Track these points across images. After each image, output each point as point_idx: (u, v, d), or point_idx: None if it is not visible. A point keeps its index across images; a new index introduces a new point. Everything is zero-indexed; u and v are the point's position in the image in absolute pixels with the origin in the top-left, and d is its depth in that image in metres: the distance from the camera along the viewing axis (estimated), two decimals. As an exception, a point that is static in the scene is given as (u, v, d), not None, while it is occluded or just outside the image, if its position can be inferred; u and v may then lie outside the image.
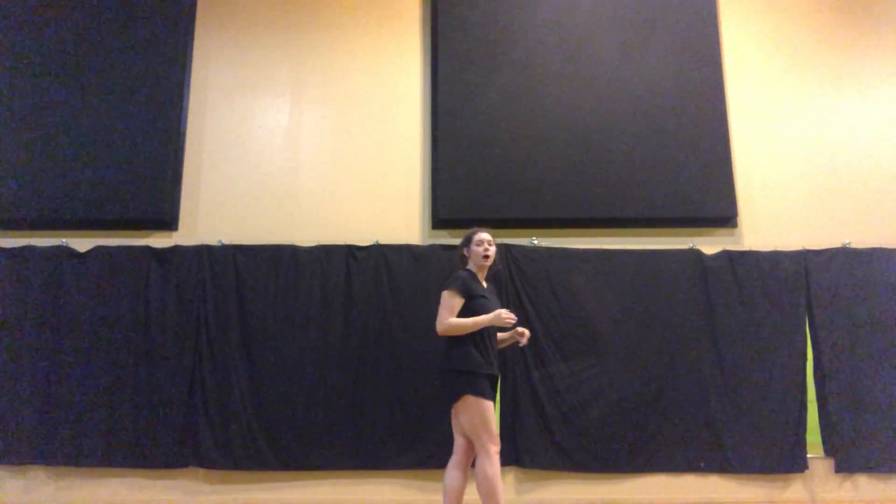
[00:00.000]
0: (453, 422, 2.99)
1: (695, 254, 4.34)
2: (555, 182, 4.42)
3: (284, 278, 4.25)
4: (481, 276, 3.13)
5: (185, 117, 4.61)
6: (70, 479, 4.04)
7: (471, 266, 3.13)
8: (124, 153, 4.42)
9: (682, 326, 4.21)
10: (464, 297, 2.97)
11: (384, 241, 4.35)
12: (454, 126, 4.50)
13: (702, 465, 4.05)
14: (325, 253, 4.30)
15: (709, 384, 4.13)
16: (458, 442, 2.99)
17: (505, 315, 2.88)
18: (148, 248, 4.28)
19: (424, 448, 4.04)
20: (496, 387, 3.05)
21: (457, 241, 4.31)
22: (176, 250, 4.28)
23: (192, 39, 4.75)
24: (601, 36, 4.67)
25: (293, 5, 4.84)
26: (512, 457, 4.01)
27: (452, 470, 2.93)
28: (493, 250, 3.11)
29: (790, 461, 4.04)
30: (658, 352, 4.17)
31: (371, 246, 4.33)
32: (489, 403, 2.90)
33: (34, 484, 4.03)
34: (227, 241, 4.35)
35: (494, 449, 2.87)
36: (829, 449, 4.12)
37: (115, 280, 4.22)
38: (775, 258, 4.33)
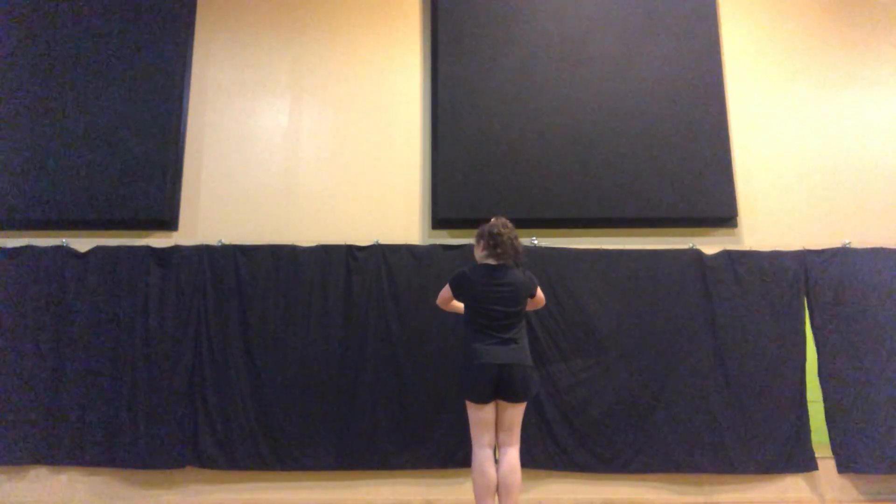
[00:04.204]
0: (516, 415, 3.10)
1: (695, 254, 4.34)
2: (555, 182, 4.42)
3: (284, 278, 4.25)
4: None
5: (185, 117, 4.61)
6: (70, 479, 4.04)
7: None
8: (124, 153, 4.42)
9: (682, 326, 4.21)
10: None
11: (384, 241, 4.35)
12: (454, 126, 4.50)
13: (702, 464, 4.05)
14: (325, 253, 4.30)
15: (709, 384, 4.13)
16: (492, 439, 3.12)
17: None
18: (148, 248, 4.28)
19: (424, 448, 4.04)
20: None
21: (456, 241, 4.35)
22: (176, 250, 4.28)
23: (192, 39, 4.75)
24: (601, 36, 4.67)
25: (293, 5, 4.85)
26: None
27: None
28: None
29: (795, 461, 4.03)
30: (658, 352, 4.17)
31: (371, 246, 4.33)
32: None
33: (34, 484, 4.03)
34: (227, 241, 4.35)
35: None
36: (831, 449, 4.11)
37: (115, 280, 4.22)
38: (775, 258, 4.33)
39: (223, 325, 4.17)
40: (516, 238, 3.22)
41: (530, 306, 3.36)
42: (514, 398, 3.04)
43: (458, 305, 3.40)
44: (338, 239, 4.37)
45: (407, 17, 4.84)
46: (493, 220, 3.28)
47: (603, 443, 4.05)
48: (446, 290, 3.30)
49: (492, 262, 3.20)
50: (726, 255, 4.34)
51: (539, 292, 3.33)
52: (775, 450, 4.05)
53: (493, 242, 3.18)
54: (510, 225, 3.25)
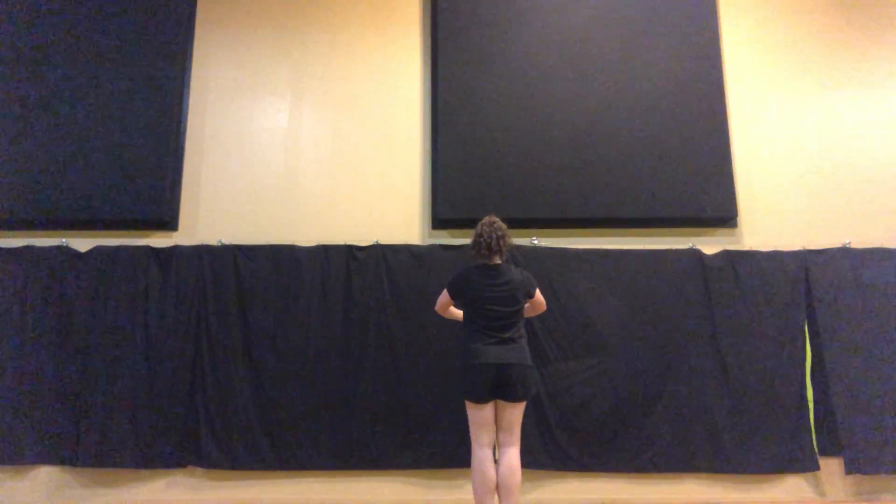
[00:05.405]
0: (515, 415, 3.09)
1: (695, 254, 4.34)
2: (555, 182, 4.42)
3: (284, 278, 4.25)
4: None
5: (185, 117, 4.61)
6: (70, 479, 4.04)
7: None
8: (124, 153, 4.42)
9: (682, 326, 4.21)
10: None
11: (384, 241, 4.35)
12: (454, 126, 4.50)
13: (702, 464, 4.05)
14: (325, 253, 4.30)
15: (709, 384, 4.13)
16: (492, 438, 3.12)
17: None
18: (148, 248, 4.28)
19: (424, 447, 4.04)
20: None
21: (456, 241, 4.35)
22: (176, 250, 4.28)
23: (192, 39, 4.75)
24: (601, 36, 4.67)
25: (293, 5, 4.85)
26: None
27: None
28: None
29: (795, 461, 4.03)
30: (658, 352, 4.17)
31: (371, 246, 4.33)
32: None
33: (34, 484, 4.03)
34: (227, 241, 4.35)
35: None
36: (831, 449, 4.10)
37: (115, 280, 4.22)
38: (775, 258, 4.33)
39: (223, 325, 4.17)
40: (500, 236, 3.17)
41: (530, 312, 3.34)
42: (513, 398, 3.04)
43: (457, 313, 3.40)
44: (338, 239, 4.37)
45: (407, 17, 4.84)
46: (484, 219, 3.28)
47: (603, 443, 4.05)
48: (444, 295, 3.30)
49: (487, 262, 3.20)
50: (726, 255, 4.34)
51: (538, 294, 3.31)
52: (775, 450, 4.05)
53: (473, 243, 3.22)
54: (496, 223, 3.22)
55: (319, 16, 4.83)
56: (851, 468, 4.01)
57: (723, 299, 4.25)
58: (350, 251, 4.30)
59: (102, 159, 4.41)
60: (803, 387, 4.14)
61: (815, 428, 4.12)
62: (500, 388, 3.03)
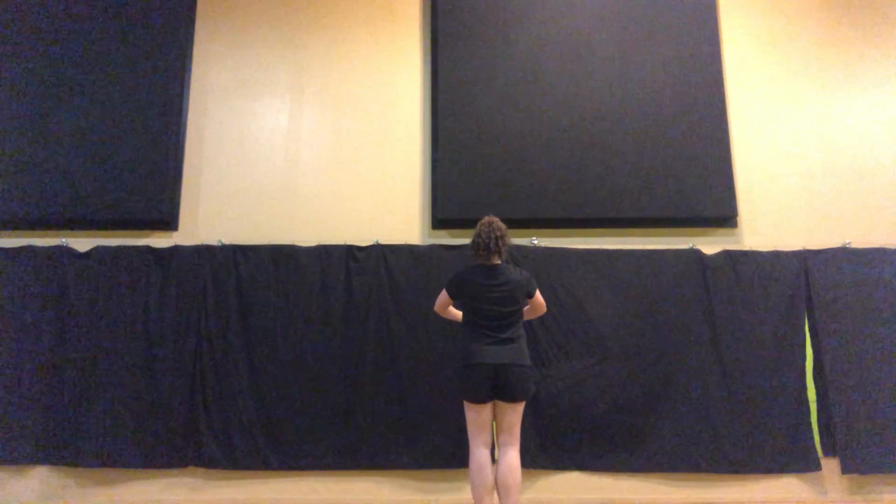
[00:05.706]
0: (514, 415, 3.09)
1: (695, 254, 4.34)
2: (555, 182, 4.42)
3: (284, 278, 4.25)
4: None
5: (185, 117, 4.61)
6: (70, 479, 4.04)
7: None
8: (124, 153, 4.42)
9: (682, 326, 4.21)
10: None
11: (384, 241, 4.35)
12: (454, 126, 4.50)
13: (702, 464, 4.05)
14: (325, 253, 4.30)
15: (709, 384, 4.13)
16: (490, 439, 3.14)
17: None
18: (148, 248, 4.28)
19: (424, 448, 4.04)
20: None
21: (456, 241, 4.35)
22: (176, 250, 4.28)
23: (192, 39, 4.75)
24: (601, 36, 4.67)
25: (293, 5, 4.85)
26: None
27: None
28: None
29: (796, 461, 4.03)
30: (658, 352, 4.17)
31: (371, 246, 4.33)
32: None
33: (34, 484, 4.03)
34: (227, 241, 4.35)
35: None
36: (830, 449, 4.11)
37: (115, 280, 4.22)
38: (775, 258, 4.33)
39: (223, 325, 4.17)
40: (498, 237, 3.18)
41: (530, 314, 3.34)
42: (511, 398, 3.04)
43: (456, 313, 3.40)
44: (338, 239, 4.37)
45: (407, 17, 4.84)
46: (483, 219, 3.29)
47: (603, 443, 4.05)
48: (443, 294, 3.30)
49: (486, 262, 3.20)
50: (726, 255, 4.34)
51: (538, 295, 3.31)
52: (775, 450, 4.05)
53: (472, 244, 3.24)
54: (495, 223, 3.22)
55: (319, 16, 4.83)
56: (848, 468, 4.01)
57: (723, 299, 4.25)
58: (350, 251, 4.30)
59: (102, 159, 4.41)
60: (803, 387, 4.14)
61: (816, 428, 4.12)
62: (498, 388, 3.03)
